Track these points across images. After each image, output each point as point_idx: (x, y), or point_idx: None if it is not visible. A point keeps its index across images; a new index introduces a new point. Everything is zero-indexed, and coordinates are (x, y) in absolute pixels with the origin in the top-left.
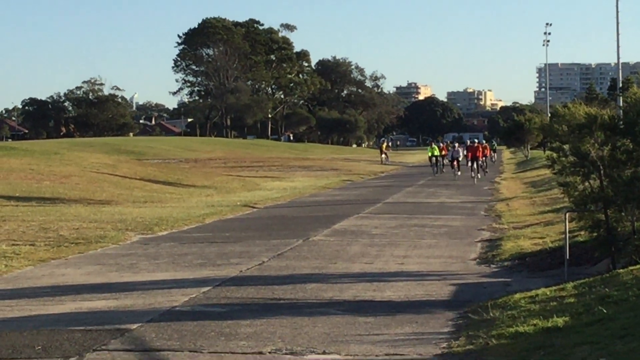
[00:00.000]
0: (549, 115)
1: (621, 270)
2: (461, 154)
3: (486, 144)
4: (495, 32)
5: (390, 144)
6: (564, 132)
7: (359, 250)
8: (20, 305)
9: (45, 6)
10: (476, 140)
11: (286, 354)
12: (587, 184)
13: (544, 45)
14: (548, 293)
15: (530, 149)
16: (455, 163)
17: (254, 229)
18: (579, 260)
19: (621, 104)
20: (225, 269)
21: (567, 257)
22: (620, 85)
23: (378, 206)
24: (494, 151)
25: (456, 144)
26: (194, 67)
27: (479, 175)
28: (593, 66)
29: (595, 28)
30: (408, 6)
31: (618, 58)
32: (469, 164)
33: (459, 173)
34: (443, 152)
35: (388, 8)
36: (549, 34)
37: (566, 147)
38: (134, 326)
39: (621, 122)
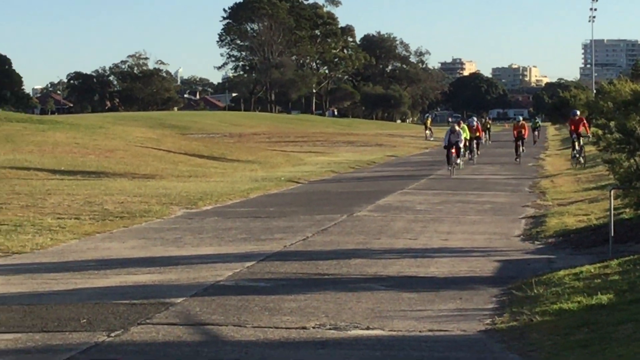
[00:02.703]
0: (595, 91)
1: None
2: (463, 137)
3: (523, 122)
4: (541, 8)
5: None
6: (609, 109)
7: (402, 226)
8: (66, 278)
9: None
10: (521, 118)
11: (330, 329)
12: (632, 161)
13: (589, 21)
14: (592, 270)
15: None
16: (453, 151)
17: (298, 204)
18: (623, 237)
19: None
20: (269, 243)
21: (612, 235)
22: None
23: (422, 182)
24: (537, 129)
25: (455, 125)
26: (238, 41)
27: (474, 160)
28: (637, 42)
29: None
30: None
31: None
32: (517, 143)
33: (460, 162)
34: (479, 134)
35: None
36: (595, 9)
37: (612, 124)
38: (179, 300)
39: None
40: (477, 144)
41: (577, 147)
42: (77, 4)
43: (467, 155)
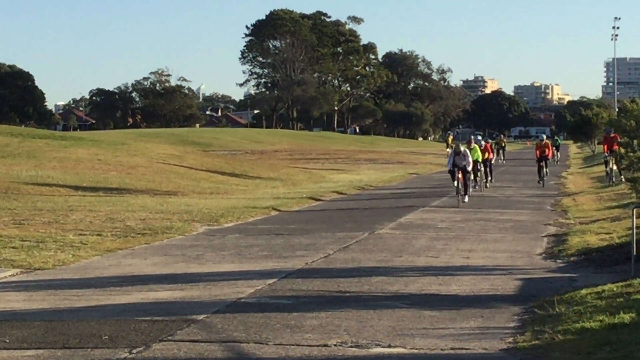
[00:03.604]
0: (617, 110)
1: None
2: (470, 160)
3: (547, 141)
4: (563, 26)
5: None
6: (632, 128)
7: (424, 243)
8: (87, 295)
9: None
10: (544, 136)
11: (351, 346)
12: None
13: (612, 39)
14: (615, 289)
15: (597, 143)
16: (459, 175)
17: (320, 222)
18: None
19: None
20: (291, 261)
21: (635, 253)
22: None
23: (443, 200)
24: (557, 148)
25: (460, 145)
26: (260, 58)
27: (487, 185)
28: None
29: None
30: (480, 4)
31: None
32: (540, 164)
33: (470, 189)
34: (488, 155)
35: (455, 1)
36: (618, 28)
37: (635, 142)
38: (200, 317)
39: None
40: (488, 168)
41: (608, 168)
42: (99, 21)
43: (476, 180)
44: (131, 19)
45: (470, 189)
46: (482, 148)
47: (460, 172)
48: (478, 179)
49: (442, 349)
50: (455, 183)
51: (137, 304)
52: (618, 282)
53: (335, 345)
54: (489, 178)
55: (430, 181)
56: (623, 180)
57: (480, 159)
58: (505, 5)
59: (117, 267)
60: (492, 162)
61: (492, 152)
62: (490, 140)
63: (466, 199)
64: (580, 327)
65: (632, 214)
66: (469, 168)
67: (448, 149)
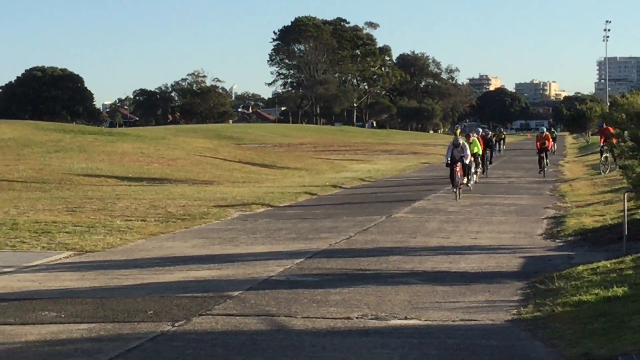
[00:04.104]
0: (609, 104)
1: None
2: (468, 152)
3: (548, 133)
4: (559, 28)
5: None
6: (622, 120)
7: (436, 226)
8: (134, 274)
9: (154, 6)
10: (545, 128)
11: (371, 319)
12: None
13: (603, 40)
14: (608, 265)
15: (591, 135)
16: (457, 169)
17: (342, 207)
18: (636, 236)
19: None
20: (316, 242)
21: (626, 233)
22: None
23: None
24: (554, 139)
25: (459, 138)
26: (287, 61)
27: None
28: None
29: None
30: (481, 5)
31: None
32: (540, 155)
33: (470, 183)
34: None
35: (463, 6)
36: (609, 30)
37: (625, 133)
38: (235, 293)
39: None
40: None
41: (603, 157)
42: (141, 27)
43: (477, 172)
44: (170, 25)
45: (472, 182)
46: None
47: (458, 164)
48: (478, 169)
49: (453, 321)
50: (453, 176)
51: (179, 282)
52: (611, 260)
53: (357, 317)
54: (478, 172)
55: (440, 170)
56: (616, 167)
57: (480, 152)
58: (507, 10)
59: (160, 249)
60: (488, 154)
61: (482, 145)
62: (490, 133)
63: (471, 185)
64: (578, 300)
65: (624, 198)
66: (467, 161)
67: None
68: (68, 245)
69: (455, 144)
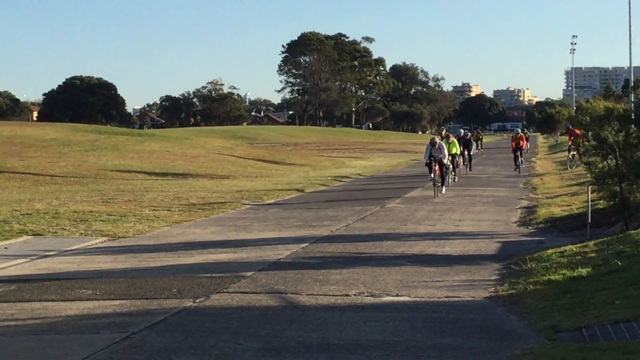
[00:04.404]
0: (575, 108)
1: (632, 231)
2: (446, 152)
3: (522, 134)
4: (532, 41)
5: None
6: (587, 122)
7: (424, 215)
8: (160, 257)
9: (178, 23)
10: (519, 130)
11: (367, 296)
12: (605, 163)
13: (571, 52)
14: (574, 249)
15: (559, 135)
16: (436, 167)
17: (342, 198)
18: (598, 223)
19: (633, 100)
20: (319, 229)
21: (589, 221)
22: (632, 84)
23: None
24: (527, 139)
25: (436, 138)
26: (294, 70)
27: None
28: (610, 69)
29: (611, 37)
30: (465, 21)
31: (630, 62)
32: (515, 154)
33: (449, 181)
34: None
35: (449, 22)
36: (575, 43)
37: (589, 134)
38: (248, 274)
39: (633, 114)
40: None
41: (570, 155)
42: (168, 41)
43: (454, 172)
44: (192, 38)
45: (451, 179)
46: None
47: (437, 164)
48: (457, 169)
49: (438, 297)
50: (432, 175)
51: (199, 264)
52: (577, 244)
53: (354, 295)
54: (457, 171)
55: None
56: (581, 164)
57: (458, 152)
58: (487, 26)
59: (183, 235)
60: (466, 153)
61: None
62: (469, 133)
63: (443, 190)
64: (547, 280)
65: (588, 191)
66: (445, 161)
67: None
68: (103, 232)
69: (433, 143)
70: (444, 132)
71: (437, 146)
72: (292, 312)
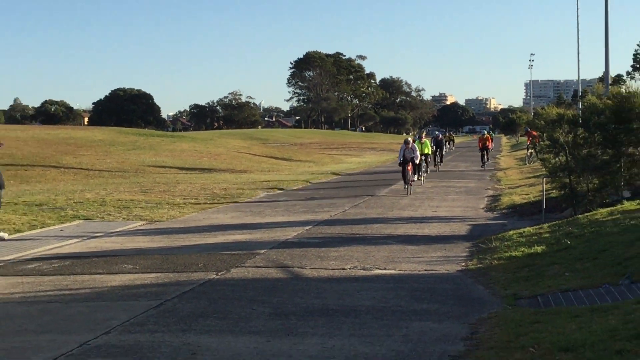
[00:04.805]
0: (532, 114)
1: (580, 215)
2: (418, 153)
3: (488, 135)
4: (498, 58)
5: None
6: (542, 126)
7: (407, 202)
8: (189, 237)
9: (203, 43)
10: (485, 131)
11: (360, 269)
12: (557, 159)
13: (529, 67)
14: (531, 230)
15: (520, 136)
16: (409, 167)
17: (339, 189)
18: (551, 209)
19: (580, 107)
20: (320, 214)
21: (544, 207)
22: (580, 94)
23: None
24: (492, 140)
25: (409, 139)
26: (300, 83)
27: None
28: (562, 81)
29: (563, 55)
30: (442, 41)
31: (578, 76)
32: (482, 153)
33: (415, 179)
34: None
35: (429, 42)
36: (533, 60)
37: (544, 135)
38: (262, 251)
39: (580, 119)
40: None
41: (528, 152)
42: (195, 57)
43: (426, 169)
44: (215, 56)
45: (423, 178)
46: (422, 141)
47: (409, 164)
48: (429, 168)
49: (419, 271)
50: (404, 175)
51: (221, 243)
52: (533, 226)
53: (349, 268)
54: (428, 170)
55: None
56: (537, 160)
57: (430, 152)
58: (460, 44)
59: (208, 220)
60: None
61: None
62: (440, 135)
63: (422, 180)
64: (509, 256)
65: (543, 182)
66: (417, 160)
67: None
68: (141, 217)
69: (406, 143)
70: (424, 135)
71: (409, 146)
72: (297, 283)
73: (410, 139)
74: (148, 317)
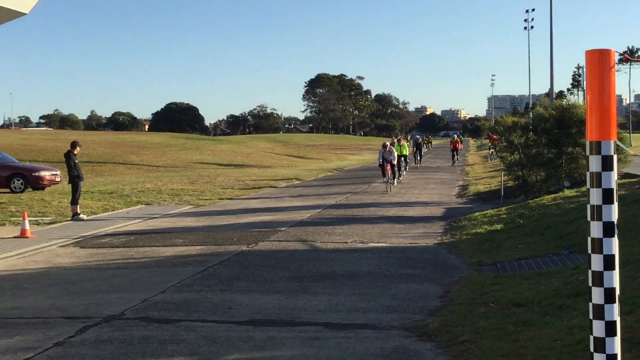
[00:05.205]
0: (494, 121)
1: (530, 201)
2: (395, 155)
3: (458, 138)
4: (467, 77)
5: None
6: (501, 130)
7: (396, 190)
8: (226, 218)
9: (238, 64)
10: (455, 135)
11: (359, 243)
12: (512, 157)
13: (491, 85)
14: (492, 212)
15: (484, 139)
16: (387, 167)
17: (342, 180)
18: (508, 196)
19: (530, 116)
20: (328, 200)
21: (502, 194)
22: (530, 106)
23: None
24: (461, 142)
25: (387, 142)
26: (312, 98)
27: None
28: (517, 96)
29: (518, 74)
30: (423, 64)
31: (529, 91)
32: (453, 153)
33: (394, 181)
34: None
35: (412, 65)
36: (494, 79)
37: (502, 138)
38: (283, 229)
39: (530, 125)
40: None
41: (490, 152)
42: (231, 75)
43: (400, 171)
44: (246, 75)
45: (402, 177)
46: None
47: (388, 164)
48: (407, 168)
49: (405, 244)
50: (384, 174)
51: (251, 222)
52: (494, 209)
53: (350, 242)
54: (402, 172)
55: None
56: (497, 157)
57: (407, 153)
58: (438, 65)
59: (241, 204)
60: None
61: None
62: (420, 139)
63: (395, 183)
64: (475, 232)
65: (501, 175)
66: (394, 162)
67: (407, 143)
68: (189, 202)
69: (384, 146)
70: (409, 138)
71: (387, 149)
72: (310, 253)
73: (388, 142)
74: (194, 280)
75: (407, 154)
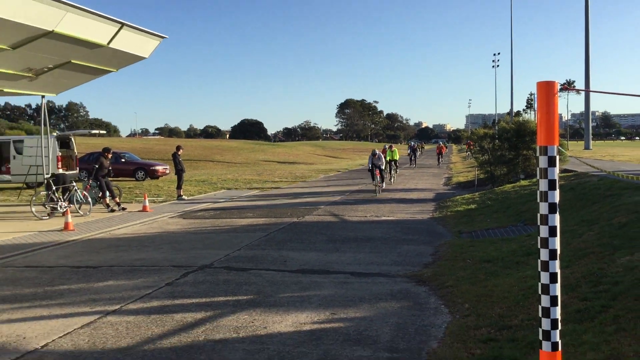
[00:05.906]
0: (470, 132)
1: (496, 188)
2: (383, 161)
3: (442, 145)
4: (452, 99)
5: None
6: (475, 139)
7: (400, 181)
8: (280, 199)
9: (289, 90)
10: (440, 142)
11: (375, 217)
12: (483, 157)
13: (468, 106)
14: (469, 196)
15: (463, 144)
16: (376, 172)
17: (363, 173)
18: (480, 184)
19: (496, 129)
20: (353, 186)
21: (476, 184)
22: (496, 121)
23: (405, 166)
24: (446, 147)
25: (376, 150)
26: (342, 116)
27: (390, 180)
28: (487, 114)
29: (489, 97)
30: (421, 89)
31: (495, 111)
32: (439, 157)
33: (383, 185)
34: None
35: (412, 90)
36: (471, 102)
37: (476, 144)
38: (322, 206)
39: (496, 135)
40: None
41: (467, 154)
42: (285, 97)
43: (387, 176)
44: (296, 99)
45: (392, 180)
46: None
47: (377, 170)
48: (390, 174)
49: (407, 218)
50: (373, 178)
51: (300, 202)
52: (470, 194)
53: (369, 216)
54: (389, 177)
55: (402, 161)
56: (472, 158)
57: (397, 159)
58: (431, 89)
59: (290, 190)
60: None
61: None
62: (414, 144)
63: (384, 186)
64: (456, 210)
65: (475, 170)
66: (383, 167)
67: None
68: (257, 188)
69: (373, 154)
70: (408, 146)
71: (377, 156)
72: (340, 223)
73: (377, 150)
74: (260, 241)
75: (397, 158)
